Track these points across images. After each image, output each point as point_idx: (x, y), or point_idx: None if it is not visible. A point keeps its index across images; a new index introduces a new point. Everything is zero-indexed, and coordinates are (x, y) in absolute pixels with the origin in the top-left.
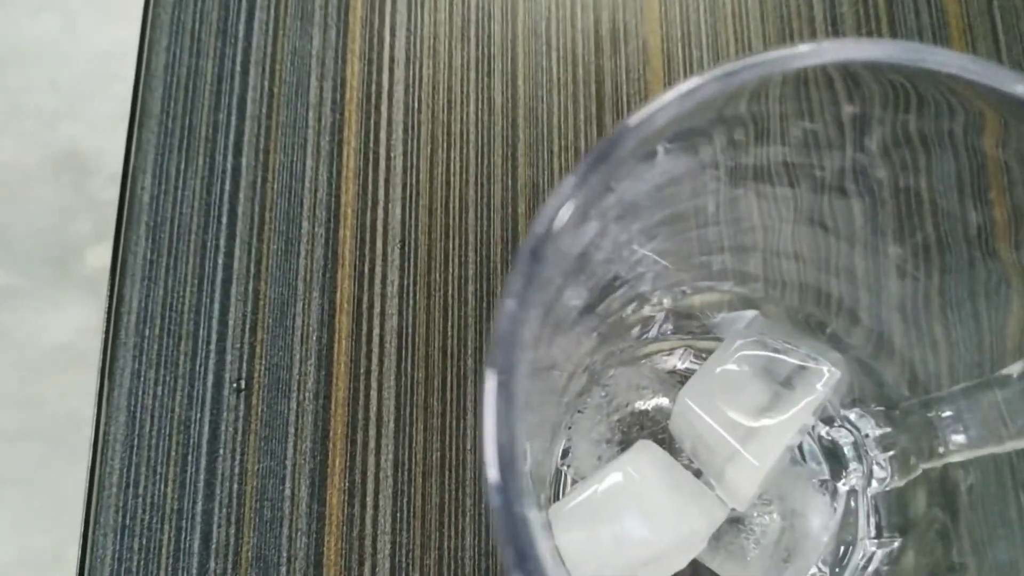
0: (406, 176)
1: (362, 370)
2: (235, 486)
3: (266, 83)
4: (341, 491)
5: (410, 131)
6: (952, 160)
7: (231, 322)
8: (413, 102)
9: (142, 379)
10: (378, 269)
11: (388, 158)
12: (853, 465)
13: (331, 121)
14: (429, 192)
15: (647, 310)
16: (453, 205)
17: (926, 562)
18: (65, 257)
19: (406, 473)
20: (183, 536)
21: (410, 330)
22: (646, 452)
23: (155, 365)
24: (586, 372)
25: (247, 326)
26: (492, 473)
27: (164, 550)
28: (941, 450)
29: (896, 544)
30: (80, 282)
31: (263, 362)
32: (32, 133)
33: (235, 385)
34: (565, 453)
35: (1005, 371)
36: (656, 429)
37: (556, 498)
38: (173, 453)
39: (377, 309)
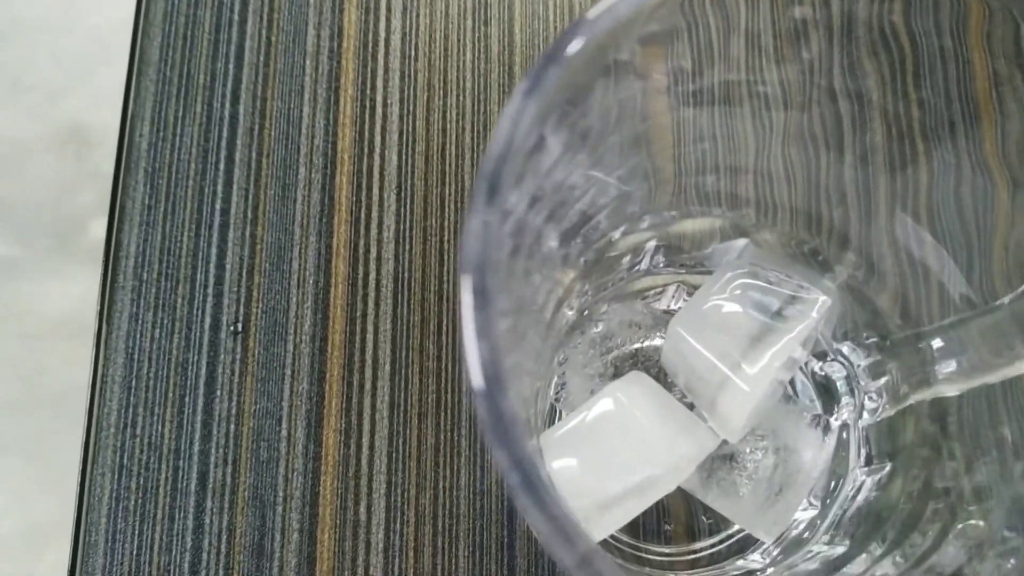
0: (402, 123)
1: (358, 313)
2: (232, 427)
3: (263, 31)
4: (337, 432)
5: (407, 79)
6: (938, 57)
7: (228, 266)
8: (410, 50)
9: (140, 322)
10: (375, 215)
11: (385, 105)
12: (845, 400)
13: (328, 69)
14: (426, 139)
15: (635, 236)
16: (449, 152)
17: (913, 487)
18: (68, 229)
19: (402, 415)
20: (180, 476)
21: (406, 274)
22: (637, 381)
23: (153, 308)
24: (576, 306)
25: (244, 270)
26: (476, 379)
27: (161, 489)
28: (932, 380)
29: (886, 470)
30: (82, 254)
31: (260, 305)
32: (34, 107)
33: (232, 328)
34: (559, 389)
35: (996, 302)
36: (649, 365)
37: None
38: (170, 394)
39: (373, 254)
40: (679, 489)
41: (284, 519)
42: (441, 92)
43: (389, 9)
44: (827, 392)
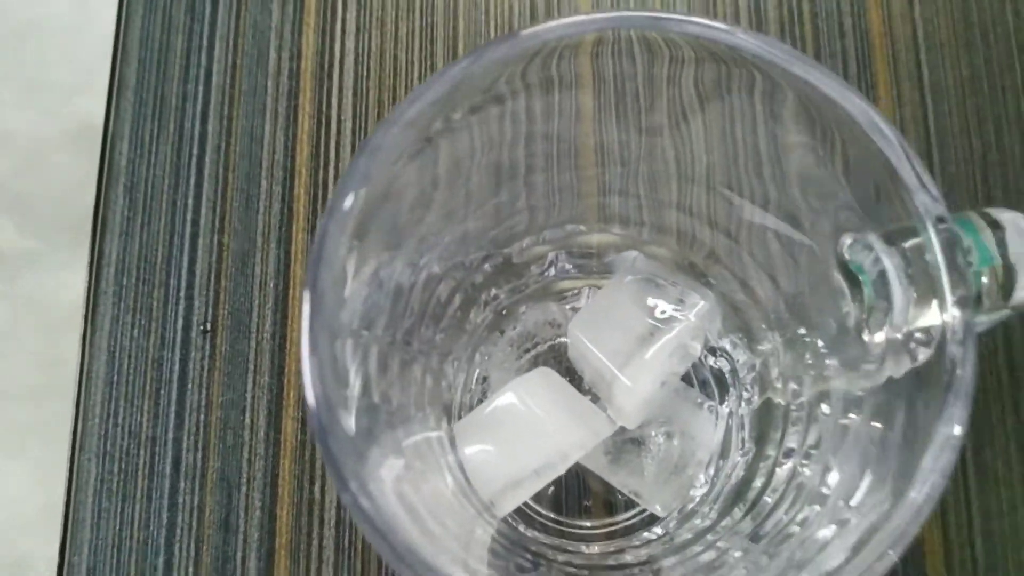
0: (355, 137)
1: (297, 317)
2: (202, 416)
3: (229, 55)
4: (295, 420)
5: (359, 96)
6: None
7: (198, 272)
8: (362, 70)
9: (120, 323)
10: None
11: (339, 121)
12: (732, 390)
13: (288, 88)
14: None
15: (537, 249)
16: None
17: (767, 463)
18: (81, 223)
19: None
20: (156, 460)
21: None
22: (540, 375)
23: (132, 311)
24: (492, 307)
25: (212, 275)
26: (309, 398)
27: (140, 472)
28: (778, 380)
29: (752, 451)
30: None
31: (226, 307)
32: (50, 106)
33: (202, 328)
34: (481, 382)
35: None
36: (565, 361)
37: None
38: (148, 388)
39: None
40: None
41: (248, 498)
42: (390, 107)
43: (344, 32)
44: (721, 383)
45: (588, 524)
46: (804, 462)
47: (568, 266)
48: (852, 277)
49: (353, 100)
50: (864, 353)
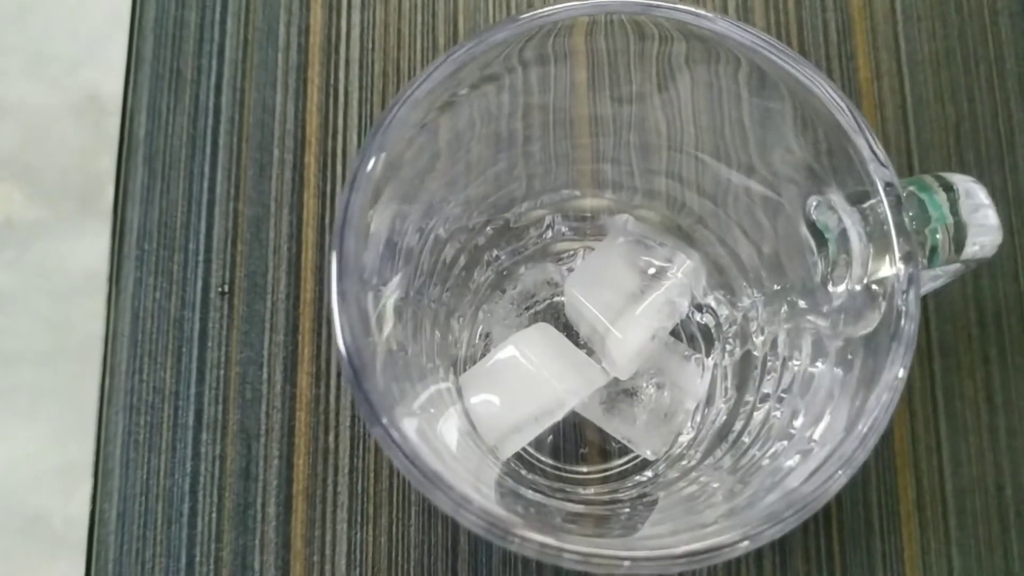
0: (361, 108)
1: (326, 275)
2: (222, 372)
3: (241, 30)
4: (310, 375)
5: (364, 69)
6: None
7: (215, 236)
8: (368, 43)
9: (143, 285)
10: (339, 189)
11: (346, 93)
12: (716, 343)
13: (297, 62)
14: None
15: (536, 212)
16: None
17: (744, 410)
18: (88, 192)
19: None
20: (180, 413)
21: None
22: (538, 330)
23: (154, 273)
24: (494, 268)
25: (229, 240)
26: (342, 344)
27: (164, 425)
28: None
29: (733, 399)
30: (102, 214)
31: (243, 270)
32: (55, 78)
33: (220, 289)
34: (484, 338)
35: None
36: (563, 317)
37: None
38: (170, 346)
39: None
40: None
41: (266, 448)
42: (395, 79)
43: (349, 6)
44: (707, 337)
45: (584, 470)
46: (777, 405)
47: (564, 229)
48: (819, 235)
49: (359, 72)
50: (830, 303)
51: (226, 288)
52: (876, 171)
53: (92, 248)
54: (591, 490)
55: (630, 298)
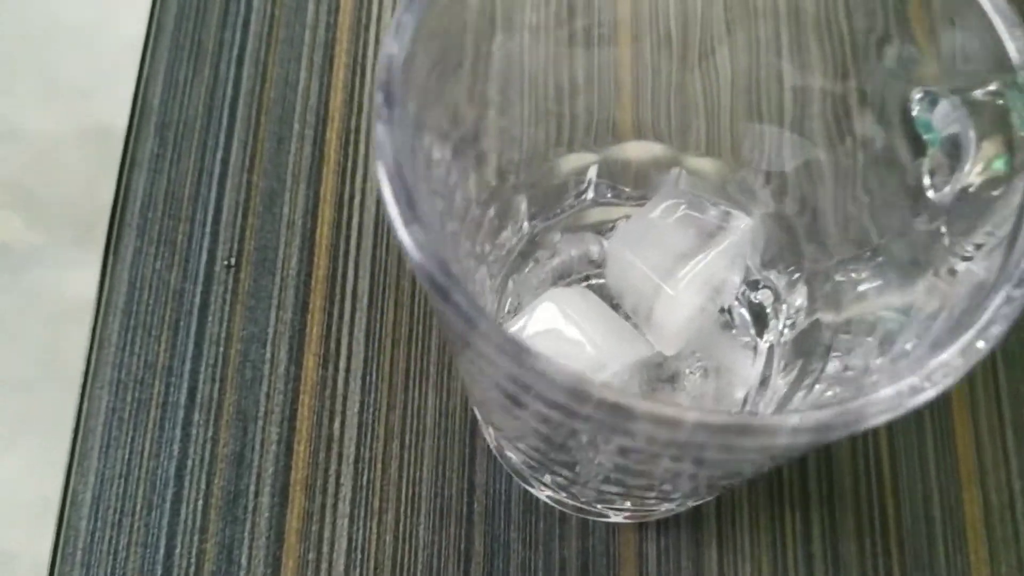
0: None
1: (341, 252)
2: (221, 349)
3: (268, 6)
4: (317, 356)
5: None
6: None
7: (225, 208)
8: None
9: (143, 255)
10: (360, 167)
11: (374, 71)
12: (772, 323)
13: (324, 40)
14: None
15: (576, 158)
16: None
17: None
18: (88, 221)
19: (376, 342)
20: (171, 390)
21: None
22: (579, 292)
23: (155, 243)
24: (526, 229)
25: (240, 212)
26: (393, 212)
27: (153, 402)
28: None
29: (795, 372)
30: (102, 244)
31: (252, 243)
32: (67, 108)
33: (226, 262)
34: (514, 309)
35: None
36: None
37: None
38: (167, 318)
39: (357, 200)
40: None
41: (264, 432)
42: None
43: None
44: (759, 318)
45: None
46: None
47: (606, 191)
48: (917, 140)
49: None
50: (932, 218)
51: (232, 261)
52: (1016, 52)
53: (85, 277)
54: None
55: (681, 257)
